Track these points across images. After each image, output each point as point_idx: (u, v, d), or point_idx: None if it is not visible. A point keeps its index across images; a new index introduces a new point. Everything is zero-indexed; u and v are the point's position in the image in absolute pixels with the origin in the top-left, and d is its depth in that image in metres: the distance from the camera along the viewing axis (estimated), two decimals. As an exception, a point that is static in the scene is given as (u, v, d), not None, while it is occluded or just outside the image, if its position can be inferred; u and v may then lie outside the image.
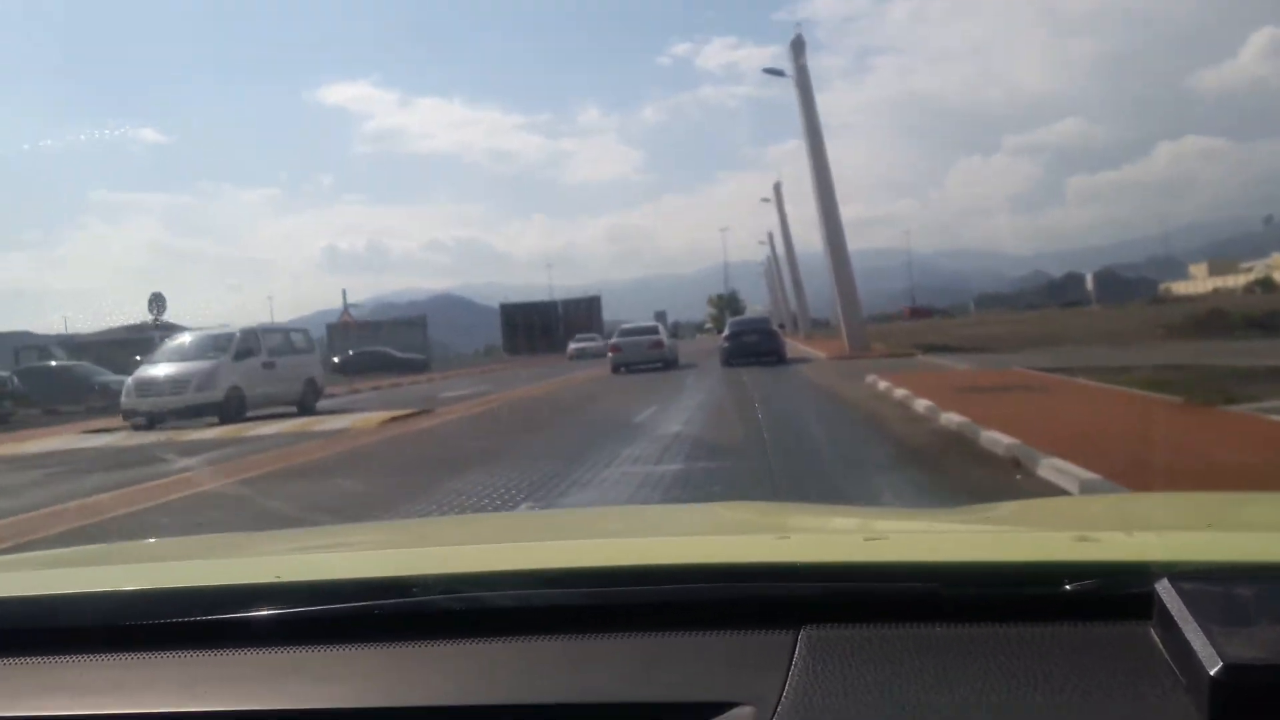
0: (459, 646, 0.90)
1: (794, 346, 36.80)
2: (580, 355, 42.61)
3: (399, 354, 45.12)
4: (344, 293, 28.35)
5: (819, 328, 52.13)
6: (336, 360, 45.70)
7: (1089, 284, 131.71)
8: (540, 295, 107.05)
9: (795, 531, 1.31)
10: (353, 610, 0.95)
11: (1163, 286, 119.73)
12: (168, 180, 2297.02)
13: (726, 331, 24.02)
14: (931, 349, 23.69)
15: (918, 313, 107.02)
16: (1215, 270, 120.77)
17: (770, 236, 74.52)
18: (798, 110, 25.04)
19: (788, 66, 25.29)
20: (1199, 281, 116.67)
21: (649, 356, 23.95)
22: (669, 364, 24.22)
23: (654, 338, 24.81)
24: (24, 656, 0.98)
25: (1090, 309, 75.00)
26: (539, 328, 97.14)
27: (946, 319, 79.05)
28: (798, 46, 25.17)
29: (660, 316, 77.67)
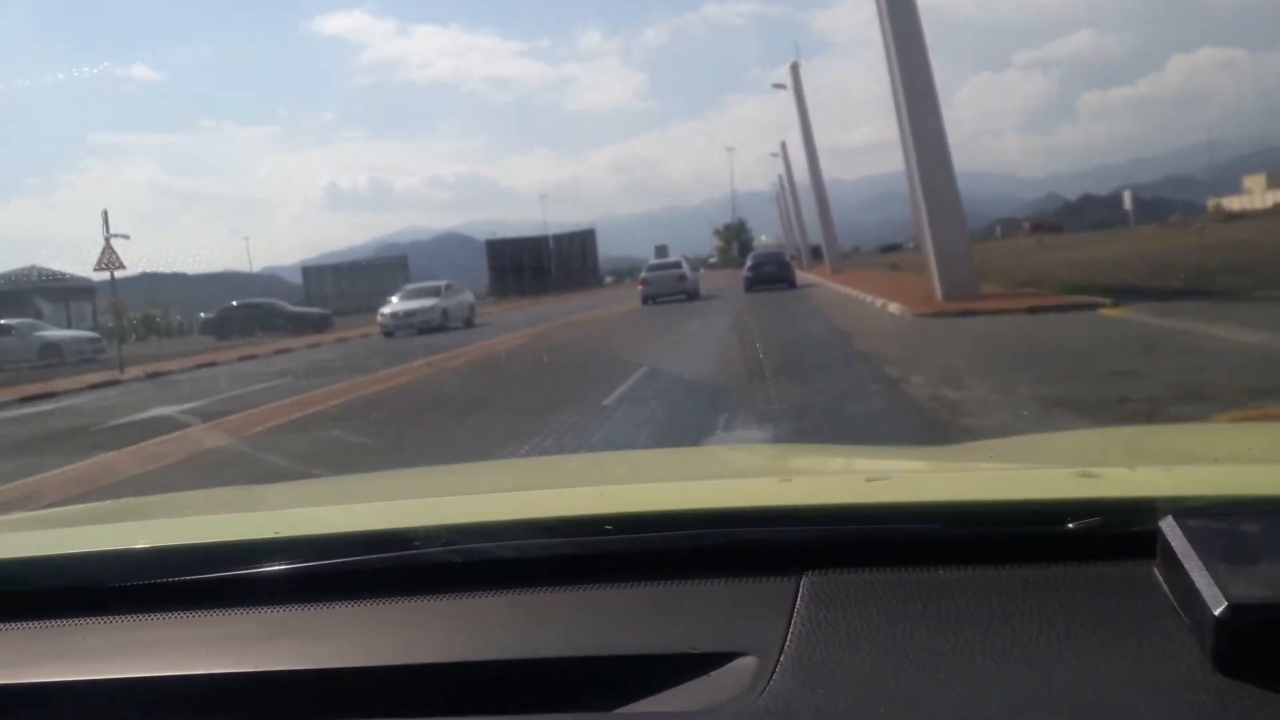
0: (458, 601, 0.89)
1: (825, 288, 25.68)
2: (399, 325, 23.74)
3: (292, 308, 33.83)
4: (104, 213, 16.11)
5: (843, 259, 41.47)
6: (206, 316, 35.14)
7: (1127, 203, 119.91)
8: (542, 231, 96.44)
9: (796, 474, 1.30)
10: (352, 565, 0.93)
11: (1212, 203, 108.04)
12: (166, 119, 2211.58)
13: (749, 263, 29.10)
14: (1125, 293, 12.25)
15: (1043, 228, 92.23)
16: (1275, 183, 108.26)
17: (783, 147, 62.72)
18: None
19: None
20: (1255, 196, 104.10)
21: (675, 289, 26.08)
22: (692, 295, 26.01)
23: (679, 271, 27.20)
24: (18, 621, 0.95)
25: (1136, 229, 64.89)
26: (529, 267, 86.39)
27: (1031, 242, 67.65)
28: None
29: (661, 250, 72.18)
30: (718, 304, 23.37)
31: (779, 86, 40.36)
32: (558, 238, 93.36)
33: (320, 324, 31.74)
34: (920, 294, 15.50)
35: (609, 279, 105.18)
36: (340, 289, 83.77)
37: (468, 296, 26.06)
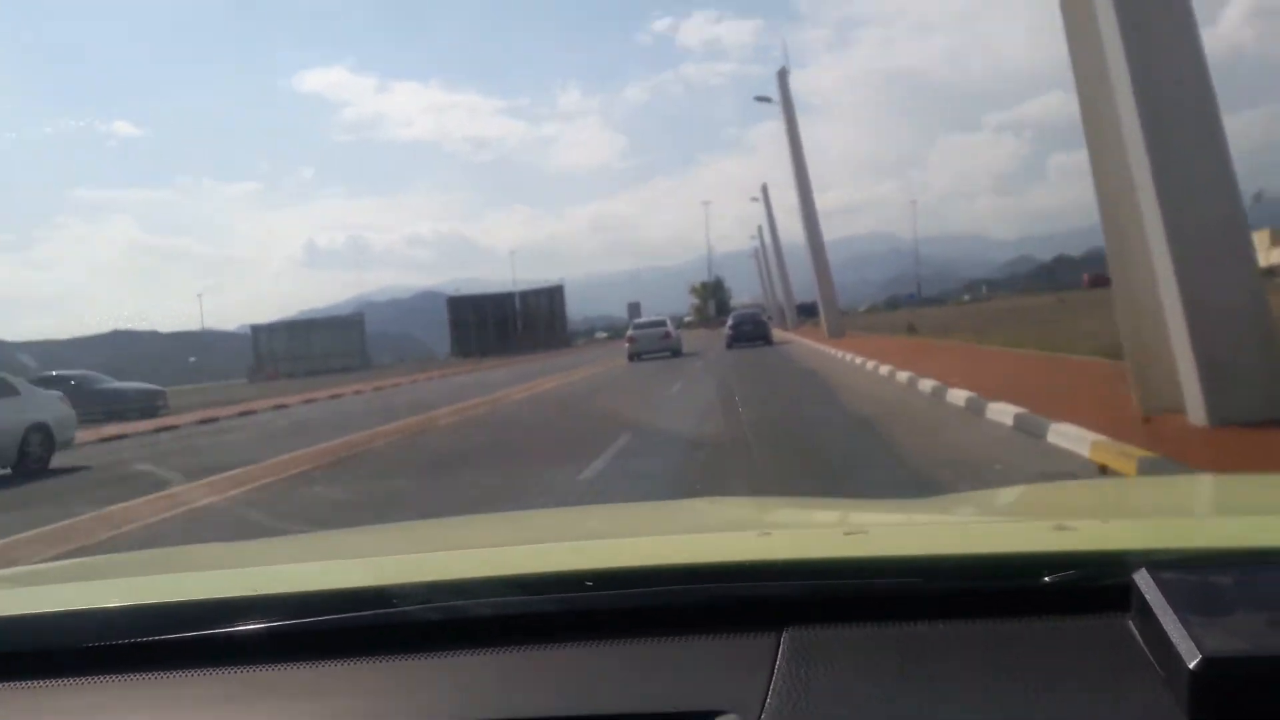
0: (438, 660, 0.88)
1: (838, 365, 17.64)
2: None
3: (114, 384, 25.47)
4: None
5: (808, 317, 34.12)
6: None
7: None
8: (512, 288, 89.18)
9: (775, 528, 1.31)
10: (331, 623, 0.92)
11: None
12: (145, 176, 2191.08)
13: (730, 322, 32.78)
14: None
15: (1101, 282, 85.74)
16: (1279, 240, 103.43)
17: (764, 190, 56.08)
18: None
19: None
20: (1260, 253, 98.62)
21: (659, 346, 28.44)
22: (675, 352, 28.24)
23: (664, 330, 29.53)
24: None
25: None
26: (492, 325, 78.19)
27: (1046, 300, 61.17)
28: None
29: (635, 308, 66.75)
30: (690, 392, 15.72)
31: (763, 99, 33.61)
32: (524, 294, 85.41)
33: (148, 405, 23.79)
34: (1092, 389, 7.91)
35: (601, 334, 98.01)
36: (291, 349, 74.56)
37: (37, 408, 11.87)
